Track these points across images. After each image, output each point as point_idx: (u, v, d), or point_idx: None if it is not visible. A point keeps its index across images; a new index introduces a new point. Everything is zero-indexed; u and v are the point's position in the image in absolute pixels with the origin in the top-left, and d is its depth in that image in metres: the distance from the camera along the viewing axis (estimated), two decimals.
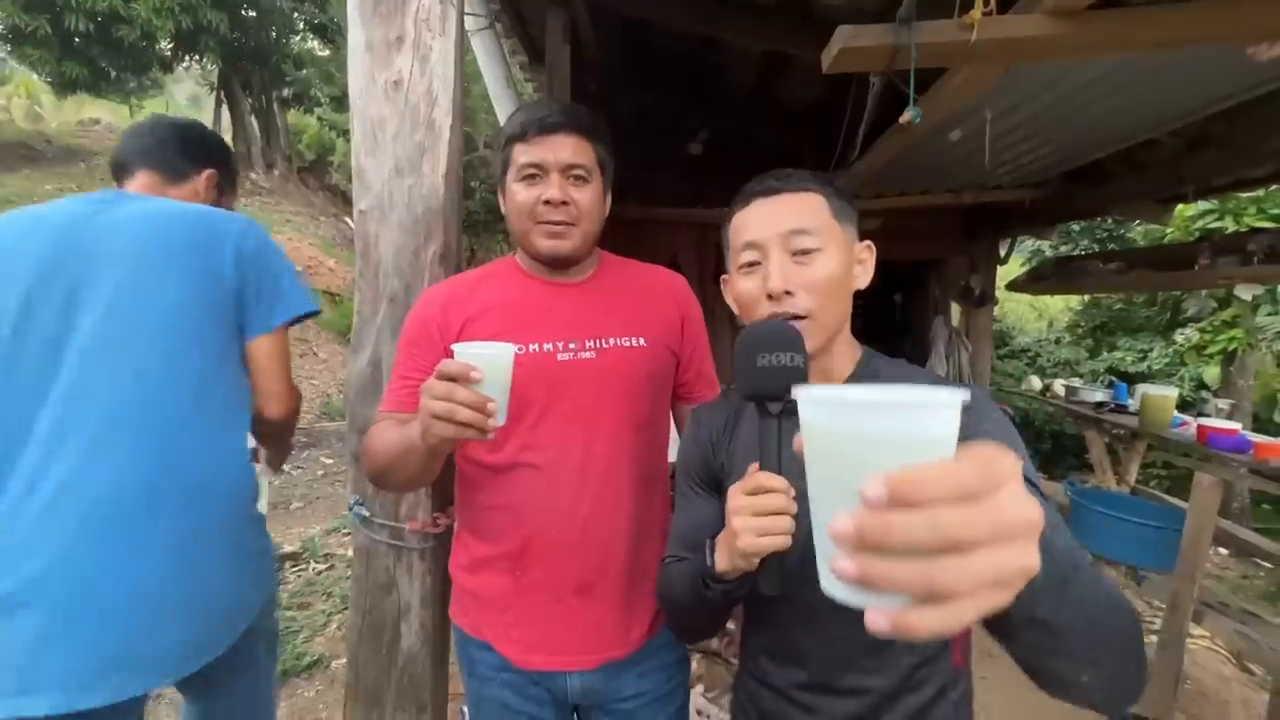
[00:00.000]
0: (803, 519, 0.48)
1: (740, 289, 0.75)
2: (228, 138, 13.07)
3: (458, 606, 1.06)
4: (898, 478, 0.28)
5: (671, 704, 1.05)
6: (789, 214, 0.72)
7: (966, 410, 0.51)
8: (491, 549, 0.99)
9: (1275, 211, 4.51)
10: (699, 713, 2.03)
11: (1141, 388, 3.10)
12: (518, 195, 0.96)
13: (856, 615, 0.32)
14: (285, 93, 13.60)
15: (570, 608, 0.96)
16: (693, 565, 0.77)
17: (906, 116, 1.81)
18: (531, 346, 0.95)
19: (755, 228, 0.73)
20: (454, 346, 0.75)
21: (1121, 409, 3.49)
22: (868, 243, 0.78)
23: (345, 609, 2.64)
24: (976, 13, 1.62)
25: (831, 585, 0.34)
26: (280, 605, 2.61)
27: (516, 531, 0.96)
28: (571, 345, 0.97)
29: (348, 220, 12.70)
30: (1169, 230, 5.21)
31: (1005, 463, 0.29)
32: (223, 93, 12.87)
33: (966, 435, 0.46)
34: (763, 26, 3.10)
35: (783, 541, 0.56)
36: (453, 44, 1.26)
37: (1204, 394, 6.26)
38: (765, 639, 0.79)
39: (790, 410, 0.58)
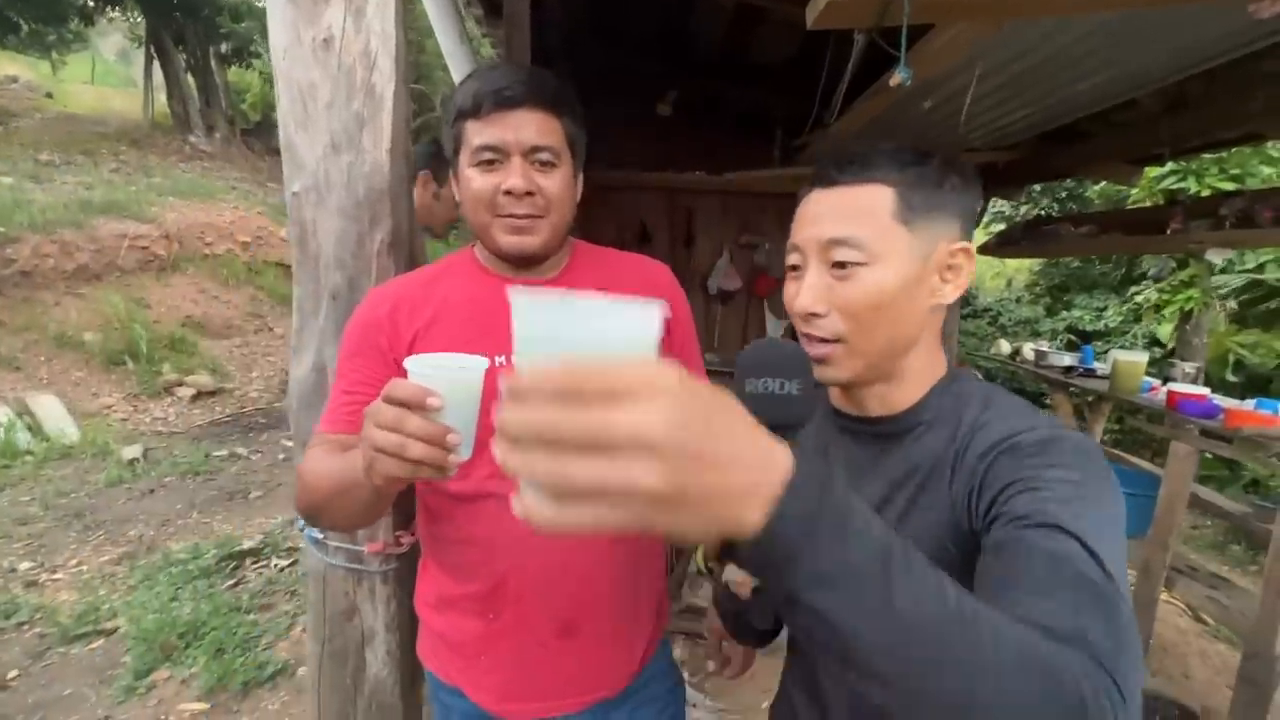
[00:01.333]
0: None
1: (785, 293, 0.67)
2: (161, 97, 12.18)
3: (426, 647, 0.95)
4: (514, 374, 0.30)
5: None
6: (836, 216, 0.61)
7: (1041, 448, 0.51)
8: (460, 587, 0.88)
9: (1236, 172, 4.57)
10: (691, 704, 2.00)
11: (1113, 353, 3.11)
12: (473, 183, 0.82)
13: None
14: (223, 48, 12.64)
15: (552, 650, 0.86)
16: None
17: (896, 79, 1.69)
18: (498, 359, 0.82)
19: (801, 228, 0.64)
20: (408, 362, 0.61)
21: (1089, 373, 3.52)
22: (964, 245, 0.62)
23: None
24: None
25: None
26: (240, 608, 2.48)
27: (488, 569, 0.85)
28: None
29: None
30: (1132, 191, 5.25)
31: (636, 375, 0.28)
32: (153, 47, 11.88)
33: (1025, 466, 0.50)
34: None
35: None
36: None
37: (1156, 350, 6.46)
38: (795, 671, 0.76)
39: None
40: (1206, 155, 4.42)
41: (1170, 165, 4.59)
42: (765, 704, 2.12)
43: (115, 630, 2.32)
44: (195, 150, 11.56)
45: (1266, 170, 4.51)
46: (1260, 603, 1.85)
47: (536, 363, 0.30)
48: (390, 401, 0.57)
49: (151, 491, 3.93)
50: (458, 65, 2.51)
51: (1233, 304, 5.21)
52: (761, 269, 5.22)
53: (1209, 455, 2.64)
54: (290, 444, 5.13)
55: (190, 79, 12.46)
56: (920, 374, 0.64)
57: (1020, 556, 0.43)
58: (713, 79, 4.23)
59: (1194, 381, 3.07)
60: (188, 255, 7.92)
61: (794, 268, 0.65)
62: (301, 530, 1.20)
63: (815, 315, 0.61)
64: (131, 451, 4.49)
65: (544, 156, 0.82)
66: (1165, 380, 3.13)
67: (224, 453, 4.71)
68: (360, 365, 0.86)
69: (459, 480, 0.84)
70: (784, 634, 0.81)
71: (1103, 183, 3.80)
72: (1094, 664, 0.36)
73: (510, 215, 0.82)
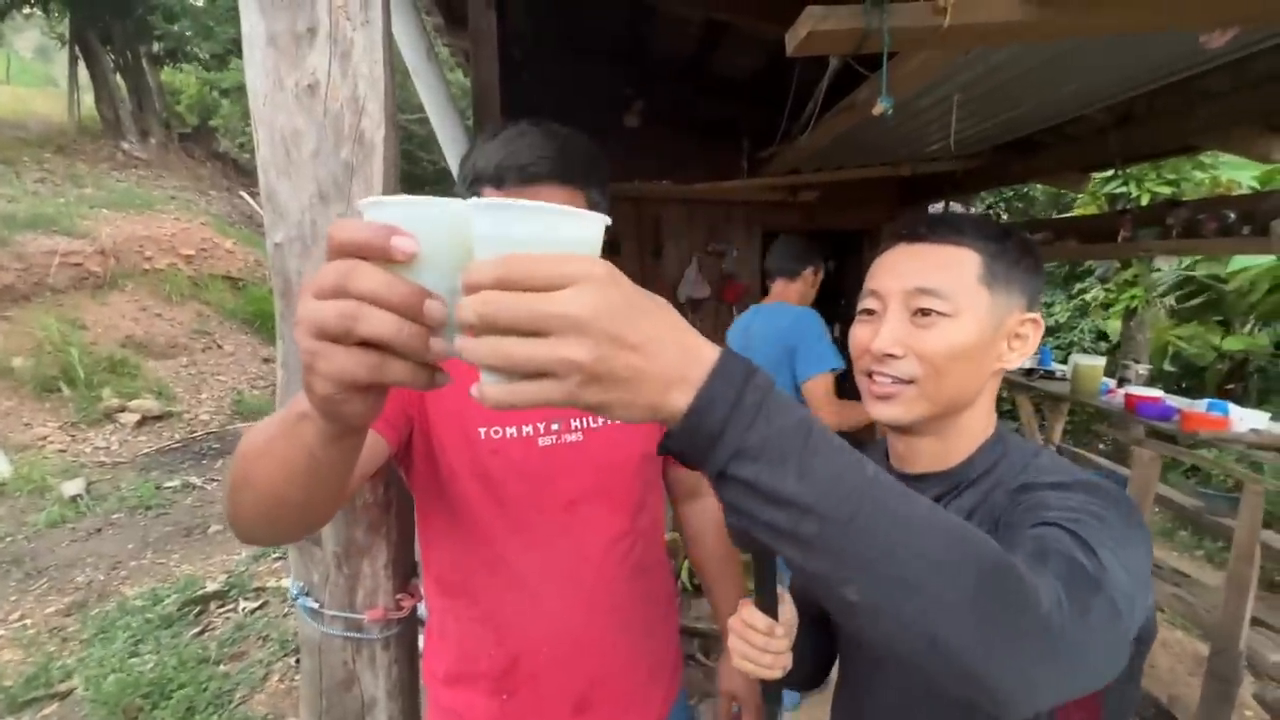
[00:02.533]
0: None
1: (853, 334, 0.69)
2: (87, 99, 11.46)
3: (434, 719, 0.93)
4: (469, 267, 0.33)
5: None
6: (922, 269, 0.63)
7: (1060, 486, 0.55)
8: (473, 665, 0.86)
9: (1172, 177, 4.85)
10: None
11: (1073, 358, 3.25)
12: None
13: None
14: (156, 48, 11.97)
15: None
16: None
17: (880, 108, 1.71)
18: (509, 431, 0.81)
19: (883, 275, 0.66)
20: (361, 202, 0.38)
21: (1049, 375, 3.67)
22: (1035, 316, 0.66)
23: (286, 654, 2.41)
24: None
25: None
26: (209, 659, 2.34)
27: (500, 649, 0.84)
28: (555, 427, 0.83)
29: (244, 194, 11.51)
30: (1078, 195, 5.51)
31: (572, 266, 0.32)
32: (77, 46, 11.17)
33: (1043, 480, 0.57)
34: None
35: (767, 673, 0.63)
36: (379, 35, 1.03)
37: (1103, 344, 6.79)
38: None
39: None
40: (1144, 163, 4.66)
41: (1111, 172, 4.83)
42: None
43: (70, 693, 2.15)
44: (129, 157, 10.92)
45: (1199, 175, 4.80)
46: (1224, 600, 1.95)
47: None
48: (340, 250, 0.35)
49: (98, 531, 3.69)
50: (425, 83, 2.44)
51: (1170, 300, 5.51)
52: (729, 276, 5.25)
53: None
54: None
55: (120, 80, 11.77)
56: (973, 432, 0.67)
57: (1012, 539, 0.47)
58: (680, 90, 4.23)
59: (1147, 383, 3.23)
60: (126, 271, 7.48)
61: (869, 312, 0.67)
62: (295, 599, 1.13)
63: (891, 356, 0.63)
64: (73, 487, 4.20)
65: None
66: (1120, 381, 3.28)
67: (176, 483, 4.46)
68: None
69: (466, 556, 0.82)
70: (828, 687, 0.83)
71: (1043, 188, 3.98)
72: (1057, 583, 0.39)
73: None
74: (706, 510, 1.07)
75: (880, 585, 0.35)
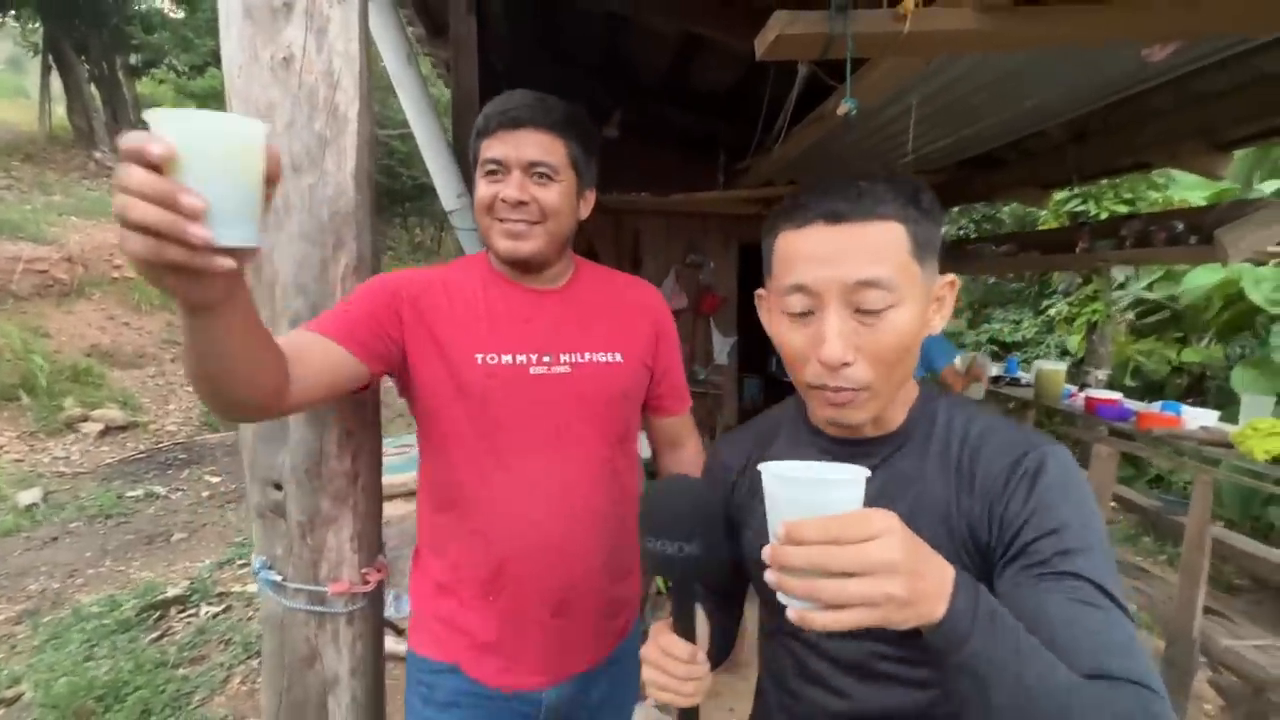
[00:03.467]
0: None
1: (786, 340, 0.60)
2: (59, 109, 11.28)
3: (421, 634, 1.00)
4: (792, 525, 0.43)
5: (628, 708, 1.09)
6: (858, 257, 0.55)
7: (1036, 474, 0.57)
8: (461, 573, 0.94)
9: (1129, 196, 5.07)
10: None
11: (1036, 364, 3.35)
12: (479, 190, 0.93)
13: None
14: (133, 59, 11.87)
15: (547, 628, 0.94)
16: None
17: (844, 108, 1.78)
18: (505, 358, 0.91)
19: (810, 268, 0.57)
20: (148, 114, 0.48)
21: (1014, 382, 3.77)
22: (950, 278, 0.62)
23: (249, 657, 2.34)
24: (909, 3, 1.61)
25: (779, 595, 0.47)
26: (167, 663, 2.27)
27: (489, 555, 0.92)
28: (545, 358, 0.93)
29: None
30: (1041, 212, 5.71)
31: (878, 523, 0.43)
32: (51, 56, 11.03)
33: (1040, 504, 0.56)
34: (677, 5, 3.01)
35: (685, 701, 0.58)
36: (355, 13, 1.06)
37: (1067, 358, 6.98)
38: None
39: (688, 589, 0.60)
40: (1104, 181, 4.86)
41: (1072, 190, 5.02)
42: None
43: (18, 698, 2.06)
44: (101, 167, 10.74)
45: (1154, 194, 5.03)
46: (1178, 591, 2.01)
47: (791, 518, 0.44)
48: (121, 157, 0.46)
49: (54, 539, 3.56)
50: (405, 89, 2.46)
51: (1130, 316, 5.72)
52: (707, 288, 5.33)
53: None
54: (216, 480, 4.79)
55: (94, 90, 11.62)
56: (906, 396, 0.66)
57: (1064, 617, 0.50)
58: (658, 102, 4.32)
59: (1106, 387, 3.34)
60: (93, 279, 7.33)
61: (803, 314, 0.58)
62: (257, 573, 1.12)
63: (844, 364, 0.57)
64: (28, 496, 4.06)
65: (542, 170, 0.90)
66: (1081, 386, 3.39)
67: (139, 493, 4.33)
68: (372, 299, 0.90)
69: (462, 470, 0.91)
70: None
71: (1014, 204, 4.12)
72: (1142, 689, 0.46)
73: (506, 220, 0.90)
74: (686, 458, 1.16)
75: None
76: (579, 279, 1.02)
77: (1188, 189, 4.89)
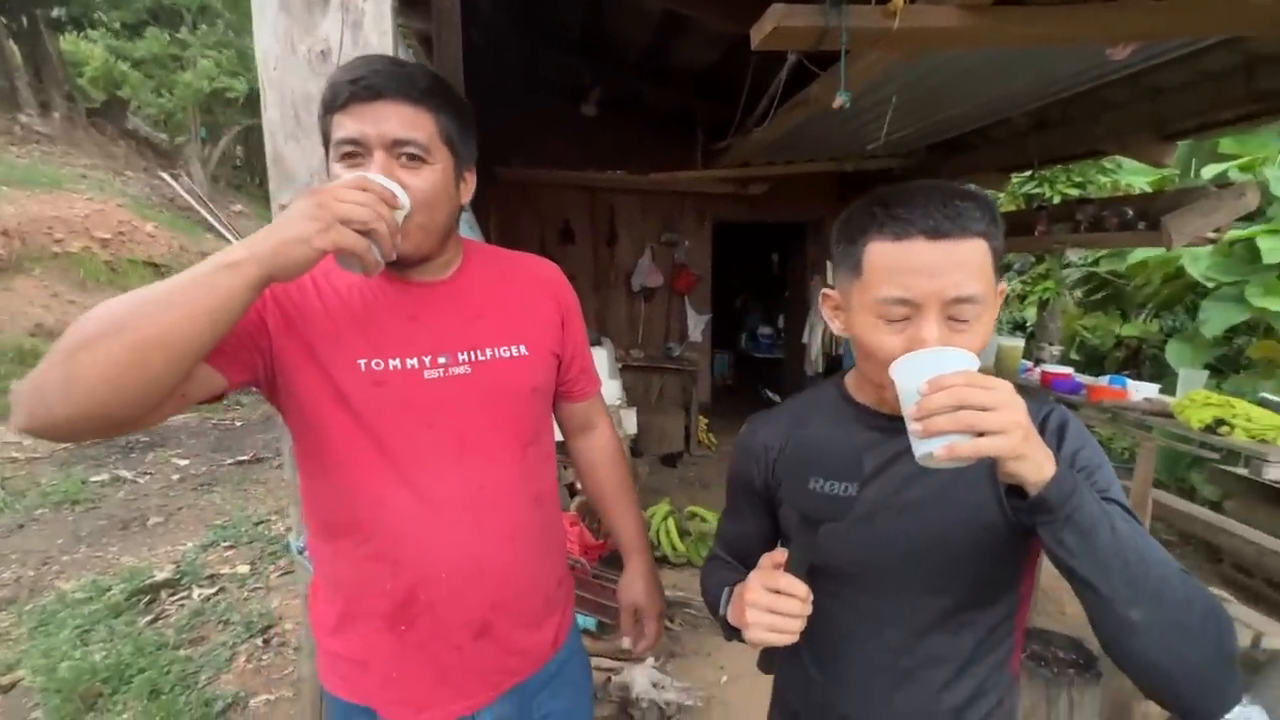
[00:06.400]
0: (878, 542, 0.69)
1: (879, 342, 0.64)
2: None
3: (328, 671, 0.88)
4: (934, 378, 0.54)
5: (580, 717, 1.01)
6: (957, 274, 0.60)
7: (1062, 429, 0.70)
8: (363, 606, 0.82)
9: (1079, 180, 5.33)
10: (654, 684, 2.10)
11: (995, 339, 3.56)
12: (335, 176, 0.76)
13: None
14: (56, 13, 10.97)
15: (468, 652, 0.84)
16: (723, 579, 0.79)
17: (839, 102, 1.86)
18: (392, 363, 0.78)
19: (912, 283, 0.61)
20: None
21: None
22: (1003, 285, 0.68)
23: (252, 635, 2.37)
24: (898, 1, 1.69)
25: (918, 452, 0.56)
26: (168, 645, 2.27)
27: (396, 582, 0.80)
28: (441, 360, 0.81)
29: (162, 175, 10.76)
30: (1000, 194, 5.95)
31: (995, 379, 0.53)
32: None
33: (1070, 450, 0.68)
34: None
35: (789, 640, 0.61)
36: (387, 4, 1.08)
37: (1020, 333, 7.35)
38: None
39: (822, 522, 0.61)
40: (1059, 166, 5.10)
41: (1028, 173, 5.26)
42: (724, 679, 2.26)
43: (15, 684, 2.04)
44: (29, 132, 10.01)
45: (1103, 179, 5.31)
46: None
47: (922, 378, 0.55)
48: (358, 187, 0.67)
49: (20, 527, 3.44)
50: None
51: (1078, 293, 6.06)
52: (681, 266, 5.40)
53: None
54: (185, 463, 4.68)
55: (14, 46, 10.74)
56: None
57: (1128, 524, 0.60)
58: (637, 80, 4.31)
59: (1059, 362, 3.58)
60: (33, 254, 6.91)
61: (900, 320, 0.63)
62: (299, 554, 1.16)
63: None
64: None
65: (410, 150, 0.74)
66: (1036, 361, 3.62)
67: (104, 477, 4.20)
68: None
69: (357, 492, 0.80)
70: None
71: (975, 186, 4.32)
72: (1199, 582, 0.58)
73: None
74: (599, 443, 1.07)
75: (1154, 611, 0.53)
76: (469, 266, 0.89)
77: (1133, 174, 5.18)
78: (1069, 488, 0.53)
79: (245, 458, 4.74)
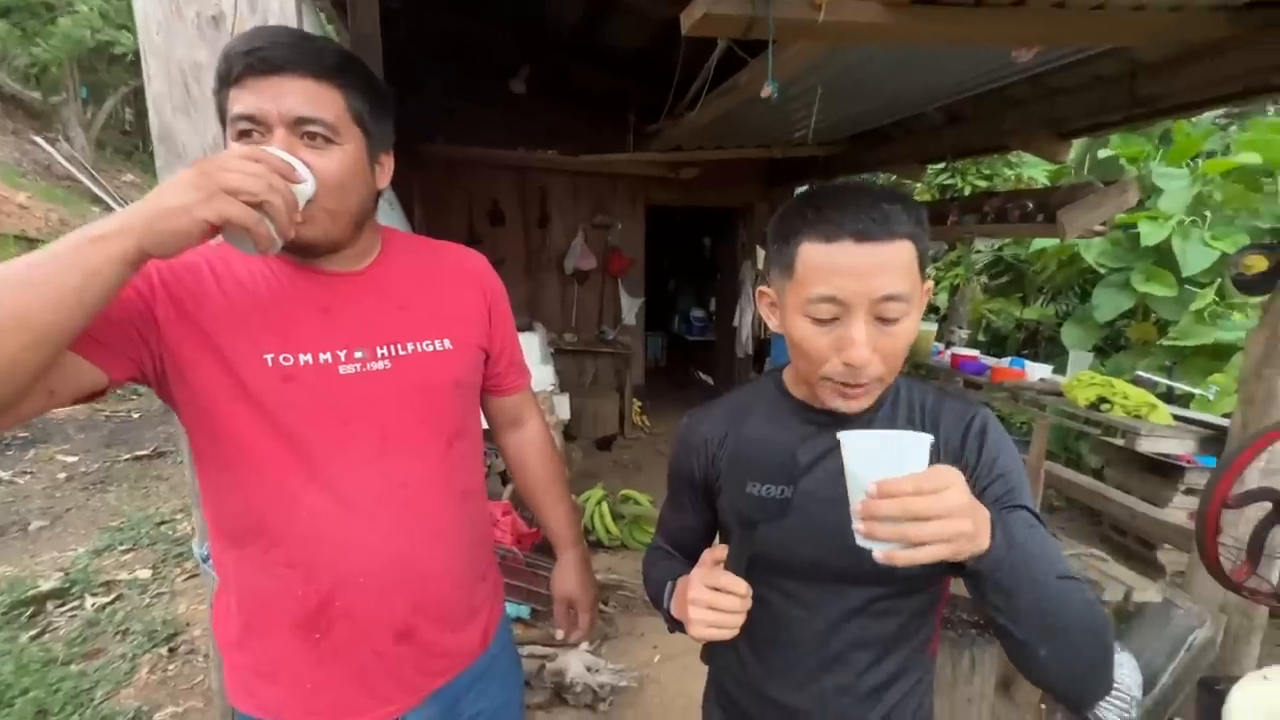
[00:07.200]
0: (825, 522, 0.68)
1: (809, 341, 0.67)
2: None
3: (236, 686, 0.82)
4: (883, 482, 0.53)
5: (510, 714, 0.99)
6: (884, 275, 0.63)
7: (983, 433, 0.72)
8: (273, 614, 0.77)
9: (988, 173, 5.69)
10: (589, 669, 2.12)
11: None
12: None
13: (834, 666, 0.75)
14: None
15: (391, 657, 0.80)
16: (665, 572, 0.80)
17: (766, 91, 1.88)
18: (303, 357, 0.74)
19: (840, 283, 0.63)
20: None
21: None
22: (929, 284, 0.71)
23: (155, 645, 2.20)
24: None
25: (861, 542, 0.56)
26: (57, 660, 2.08)
27: (309, 588, 0.76)
28: (358, 354, 0.77)
29: (36, 140, 9.60)
30: (917, 184, 6.25)
31: (948, 476, 0.53)
32: None
33: (990, 457, 0.71)
34: None
35: (730, 635, 0.64)
36: None
37: (933, 315, 7.79)
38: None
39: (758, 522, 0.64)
40: (970, 159, 5.39)
41: (942, 165, 5.55)
42: (657, 658, 2.31)
43: None
44: None
45: (1008, 172, 5.69)
46: None
47: (871, 479, 0.53)
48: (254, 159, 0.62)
49: None
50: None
51: (984, 278, 6.48)
52: (615, 249, 5.38)
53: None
54: (73, 459, 4.27)
55: None
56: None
57: (1027, 535, 0.64)
58: (568, 58, 4.21)
59: (967, 345, 3.83)
60: None
61: (829, 320, 0.65)
62: (203, 564, 1.09)
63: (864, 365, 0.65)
64: None
65: (315, 130, 0.69)
66: (947, 344, 3.86)
67: None
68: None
69: (270, 495, 0.75)
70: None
71: (894, 177, 4.51)
72: (1082, 583, 0.63)
73: None
74: (528, 437, 1.05)
75: (1058, 649, 0.59)
76: (389, 255, 0.84)
77: (1033, 168, 5.57)
78: (999, 557, 0.55)
79: (145, 452, 4.38)
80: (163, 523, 3.26)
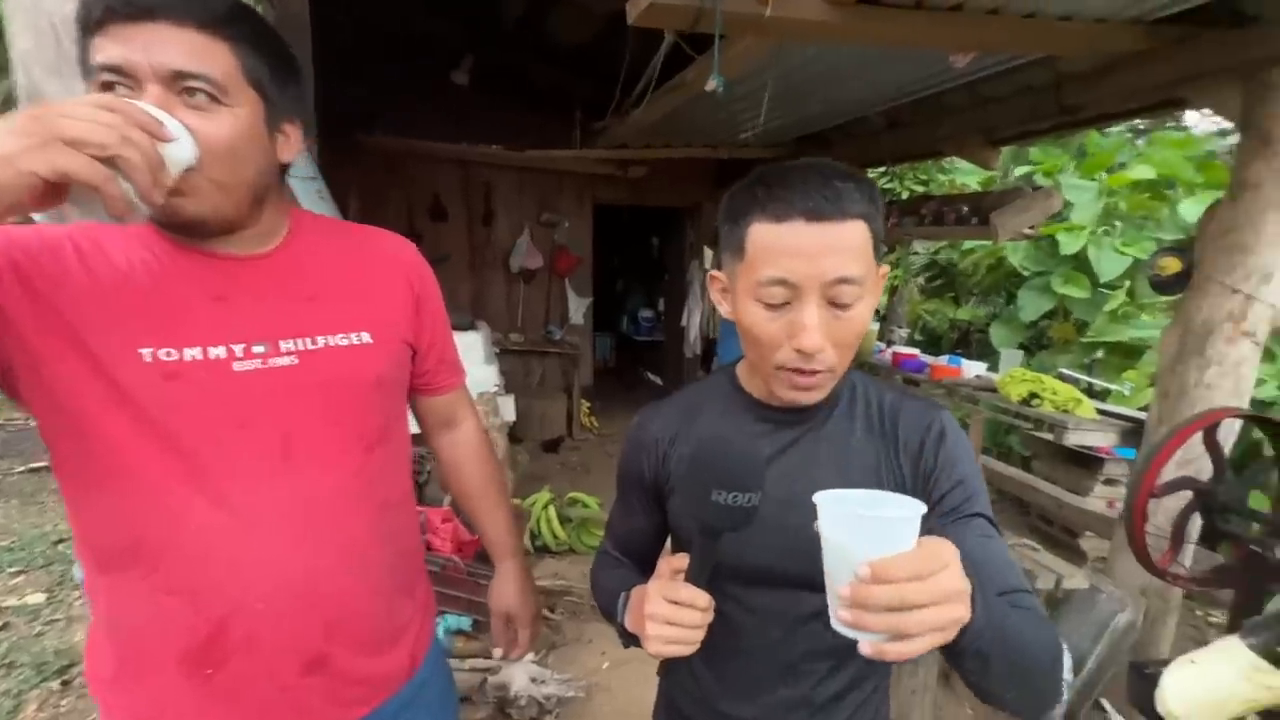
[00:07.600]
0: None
1: (760, 326, 0.63)
2: None
3: None
4: (877, 564, 0.45)
5: None
6: (836, 257, 0.59)
7: (942, 437, 0.69)
8: (154, 649, 0.67)
9: (924, 178, 5.93)
10: (534, 680, 2.04)
11: None
12: None
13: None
14: None
15: (298, 691, 0.71)
16: (617, 581, 0.76)
17: (711, 85, 1.86)
18: (189, 352, 0.64)
19: (792, 266, 0.59)
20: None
21: None
22: (885, 268, 0.67)
23: (45, 680, 1.98)
24: None
25: (837, 625, 0.49)
26: None
27: (199, 617, 0.66)
28: (257, 349, 0.68)
29: None
30: None
31: (945, 554, 0.46)
32: None
33: (949, 462, 0.68)
34: None
35: (690, 650, 0.59)
36: None
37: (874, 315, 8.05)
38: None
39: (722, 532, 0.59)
40: (907, 164, 5.59)
41: (882, 169, 5.73)
42: (605, 665, 2.25)
43: None
44: None
45: (942, 177, 5.94)
46: None
47: (857, 554, 0.46)
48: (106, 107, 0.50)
49: None
50: None
51: (921, 280, 6.74)
52: (561, 247, 5.28)
53: None
54: None
55: None
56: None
57: (980, 554, 0.61)
58: (514, 52, 4.10)
59: (906, 344, 3.95)
60: None
61: (780, 305, 0.61)
62: (79, 585, 0.96)
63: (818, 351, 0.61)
64: None
65: (196, 86, 0.60)
66: (887, 343, 3.97)
67: None
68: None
69: (151, 509, 0.65)
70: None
71: None
72: (1028, 594, 0.60)
73: None
74: (462, 439, 0.98)
75: (1025, 694, 0.57)
76: (298, 238, 0.75)
77: (966, 174, 5.83)
78: (979, 628, 0.51)
79: (41, 464, 3.99)
80: (60, 541, 2.96)
